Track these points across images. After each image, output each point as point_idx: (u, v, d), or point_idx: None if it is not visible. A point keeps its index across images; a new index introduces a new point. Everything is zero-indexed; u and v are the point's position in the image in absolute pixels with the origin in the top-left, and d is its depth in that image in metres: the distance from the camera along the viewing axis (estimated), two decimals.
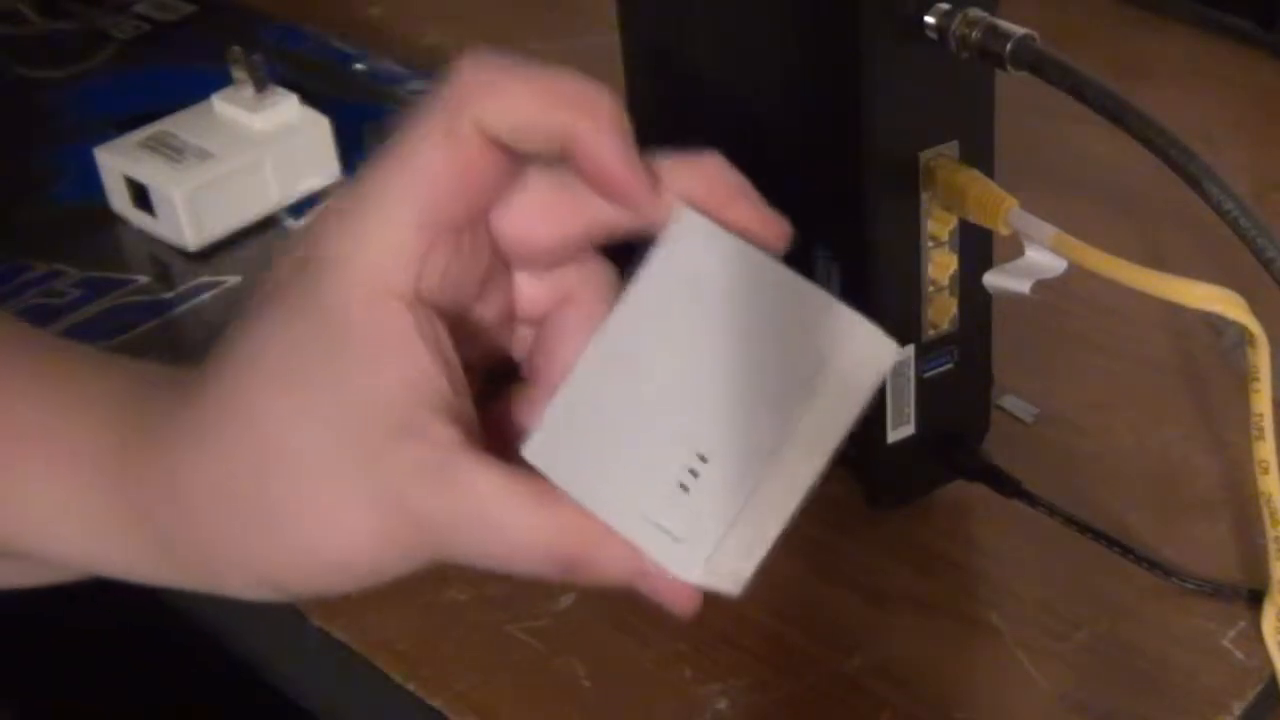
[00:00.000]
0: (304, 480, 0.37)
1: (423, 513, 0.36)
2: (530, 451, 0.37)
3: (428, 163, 0.36)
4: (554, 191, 0.38)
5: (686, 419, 0.36)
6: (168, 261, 0.72)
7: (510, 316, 0.40)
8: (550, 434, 0.38)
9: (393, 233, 0.36)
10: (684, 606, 0.37)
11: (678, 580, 0.36)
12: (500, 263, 0.39)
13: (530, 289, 0.40)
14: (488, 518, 0.37)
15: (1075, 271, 0.48)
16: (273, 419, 0.37)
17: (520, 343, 0.41)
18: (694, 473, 0.36)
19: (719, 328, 0.36)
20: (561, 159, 0.36)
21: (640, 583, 0.37)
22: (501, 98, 0.36)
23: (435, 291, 0.37)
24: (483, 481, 0.36)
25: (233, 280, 0.71)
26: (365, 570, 0.38)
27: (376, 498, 0.36)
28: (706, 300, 0.36)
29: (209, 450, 0.38)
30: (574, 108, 0.35)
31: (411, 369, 0.36)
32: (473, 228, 0.38)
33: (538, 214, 0.38)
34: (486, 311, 0.40)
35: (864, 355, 0.37)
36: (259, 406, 0.37)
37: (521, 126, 0.36)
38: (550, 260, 0.39)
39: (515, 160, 0.37)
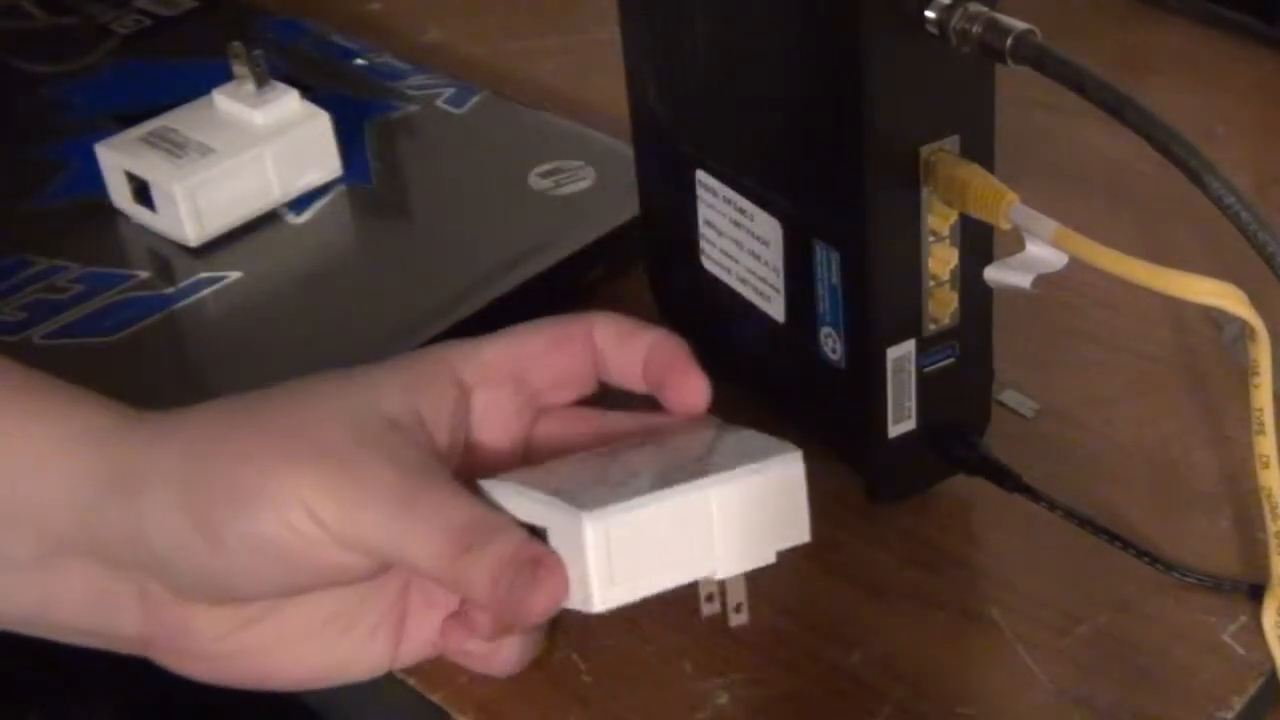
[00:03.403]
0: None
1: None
2: (481, 482, 0.44)
3: (538, 333, 0.48)
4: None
5: (630, 469, 0.44)
6: (168, 257, 0.72)
7: None
8: (504, 477, 0.44)
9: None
10: (539, 608, 0.42)
11: (545, 586, 0.42)
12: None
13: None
14: (415, 492, 0.42)
15: (1076, 266, 0.48)
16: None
17: None
18: (621, 481, 0.42)
19: (681, 447, 0.46)
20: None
21: (515, 574, 0.42)
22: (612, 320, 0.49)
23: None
24: (423, 467, 0.42)
25: (234, 276, 0.71)
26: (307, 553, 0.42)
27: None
28: (677, 436, 0.47)
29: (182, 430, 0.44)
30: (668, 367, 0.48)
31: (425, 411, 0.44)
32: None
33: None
34: None
35: (788, 478, 0.45)
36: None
37: (618, 339, 0.48)
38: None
39: (595, 375, 0.48)
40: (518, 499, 0.43)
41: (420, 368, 0.46)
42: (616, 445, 0.47)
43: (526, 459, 0.48)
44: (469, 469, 0.46)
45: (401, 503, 0.42)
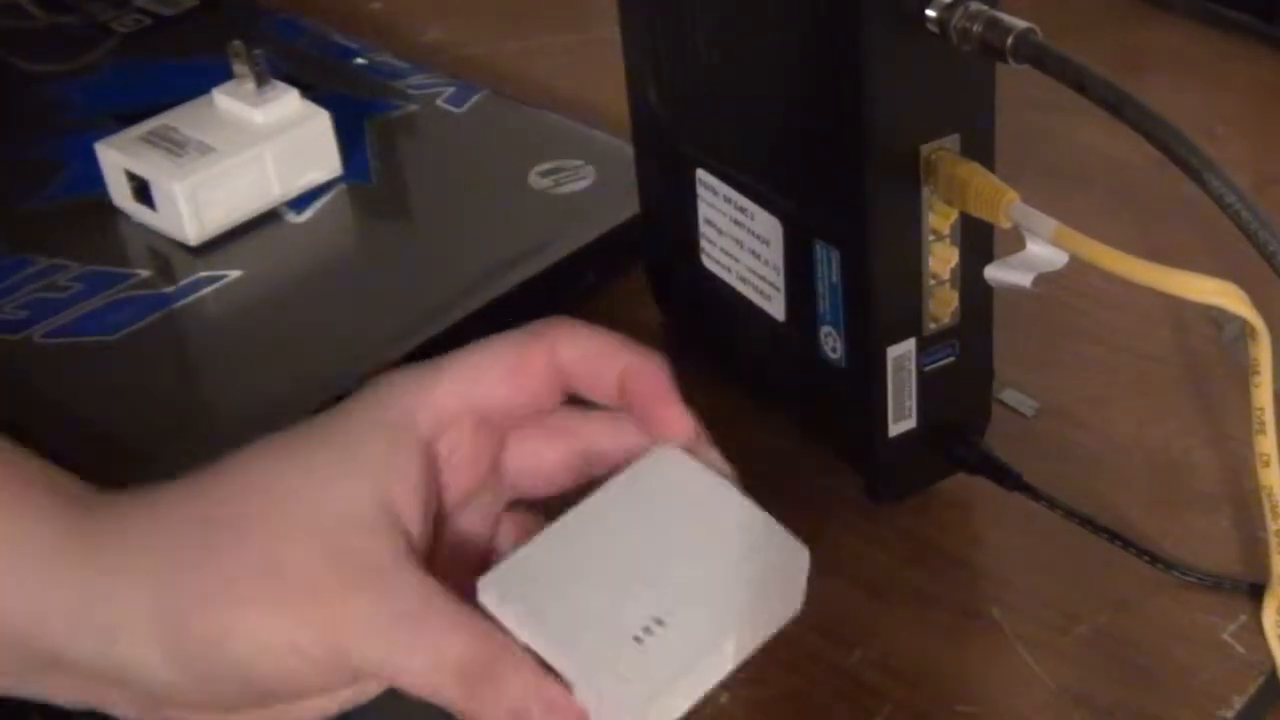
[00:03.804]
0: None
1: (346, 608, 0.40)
2: (484, 588, 0.41)
3: (494, 361, 0.44)
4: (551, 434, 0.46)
5: (645, 589, 0.41)
6: (168, 256, 0.72)
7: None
8: (506, 577, 0.41)
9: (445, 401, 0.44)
10: None
11: None
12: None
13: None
14: (408, 619, 0.40)
15: (1076, 265, 0.48)
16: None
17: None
18: (649, 631, 0.40)
19: (684, 529, 0.43)
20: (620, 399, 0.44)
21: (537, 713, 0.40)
22: (580, 340, 0.45)
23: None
24: (410, 586, 0.40)
25: (234, 275, 0.70)
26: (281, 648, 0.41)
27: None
28: (674, 505, 0.43)
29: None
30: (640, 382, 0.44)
31: (394, 487, 0.42)
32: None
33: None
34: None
35: (792, 570, 0.43)
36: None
37: (586, 360, 0.45)
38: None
39: (560, 391, 0.45)
40: (526, 625, 0.41)
41: (380, 444, 0.43)
42: (604, 525, 0.43)
43: (500, 481, 0.46)
44: (444, 511, 0.45)
45: (395, 633, 0.40)
